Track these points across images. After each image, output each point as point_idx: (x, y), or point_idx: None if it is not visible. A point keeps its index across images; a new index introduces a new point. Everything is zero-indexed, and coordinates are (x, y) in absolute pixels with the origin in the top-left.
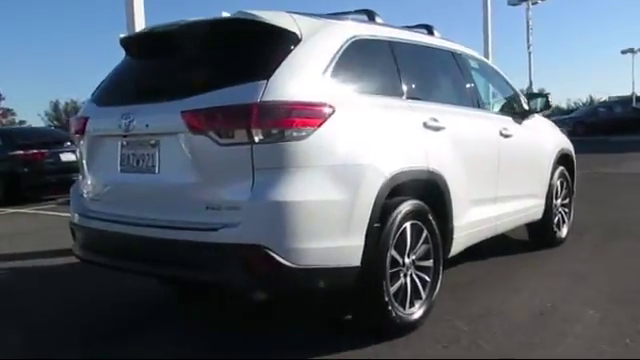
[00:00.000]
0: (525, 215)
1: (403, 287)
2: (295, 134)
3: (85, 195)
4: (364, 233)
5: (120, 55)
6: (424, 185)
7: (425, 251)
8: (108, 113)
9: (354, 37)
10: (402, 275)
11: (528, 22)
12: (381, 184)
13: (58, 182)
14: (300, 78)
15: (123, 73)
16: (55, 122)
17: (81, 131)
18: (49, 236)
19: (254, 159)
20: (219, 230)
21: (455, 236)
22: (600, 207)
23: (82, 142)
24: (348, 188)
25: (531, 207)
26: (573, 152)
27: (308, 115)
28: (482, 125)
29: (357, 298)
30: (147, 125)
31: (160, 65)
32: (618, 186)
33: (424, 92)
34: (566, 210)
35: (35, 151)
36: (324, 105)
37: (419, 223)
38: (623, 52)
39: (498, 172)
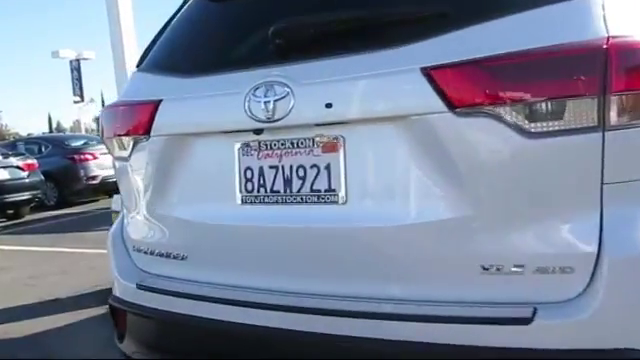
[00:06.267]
0: None
1: None
2: None
3: (147, 249)
4: None
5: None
6: None
7: None
8: (214, 86)
9: None
10: None
11: None
12: None
13: None
14: None
15: (227, 12)
16: None
17: (142, 129)
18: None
19: (605, 163)
20: (532, 323)
21: None
22: None
23: (137, 150)
24: None
25: None
26: None
27: None
28: None
29: None
30: (329, 104)
31: None
32: None
33: None
34: None
35: None
36: None
37: None
38: None
39: None
